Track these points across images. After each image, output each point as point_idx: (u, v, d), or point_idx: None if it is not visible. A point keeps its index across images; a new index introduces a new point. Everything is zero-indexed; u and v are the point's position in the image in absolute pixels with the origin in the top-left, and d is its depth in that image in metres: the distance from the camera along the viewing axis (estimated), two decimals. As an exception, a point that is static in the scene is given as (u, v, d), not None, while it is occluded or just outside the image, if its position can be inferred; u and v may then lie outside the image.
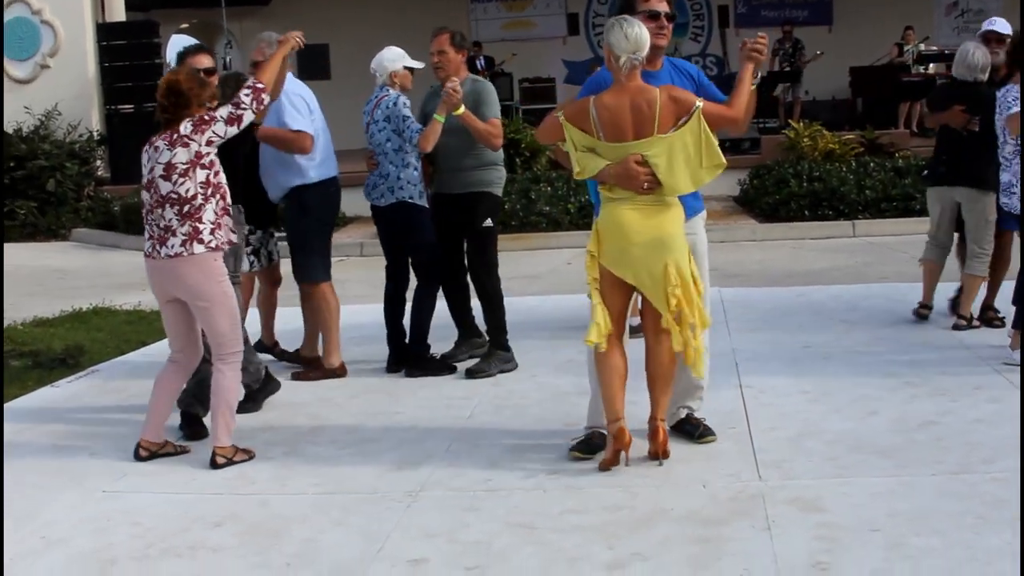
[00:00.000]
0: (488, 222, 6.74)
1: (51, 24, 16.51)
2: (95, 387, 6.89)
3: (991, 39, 7.53)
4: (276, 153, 6.62)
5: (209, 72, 5.95)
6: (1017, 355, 6.24)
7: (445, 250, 6.86)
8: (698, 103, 4.84)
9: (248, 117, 5.23)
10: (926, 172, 7.45)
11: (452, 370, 6.80)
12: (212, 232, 5.17)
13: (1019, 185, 6.53)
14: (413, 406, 6.15)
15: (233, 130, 5.19)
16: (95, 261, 13.02)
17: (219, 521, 4.57)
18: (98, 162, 16.20)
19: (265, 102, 5.29)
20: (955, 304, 7.42)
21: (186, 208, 5.14)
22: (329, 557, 4.18)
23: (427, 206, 6.77)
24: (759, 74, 5.11)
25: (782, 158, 14.60)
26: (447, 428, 5.71)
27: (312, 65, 20.91)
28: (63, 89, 16.13)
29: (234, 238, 5.34)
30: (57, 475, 5.21)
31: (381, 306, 7.07)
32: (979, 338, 7.00)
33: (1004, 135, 6.65)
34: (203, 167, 5.15)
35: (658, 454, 4.95)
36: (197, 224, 5.14)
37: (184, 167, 5.13)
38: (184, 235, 5.13)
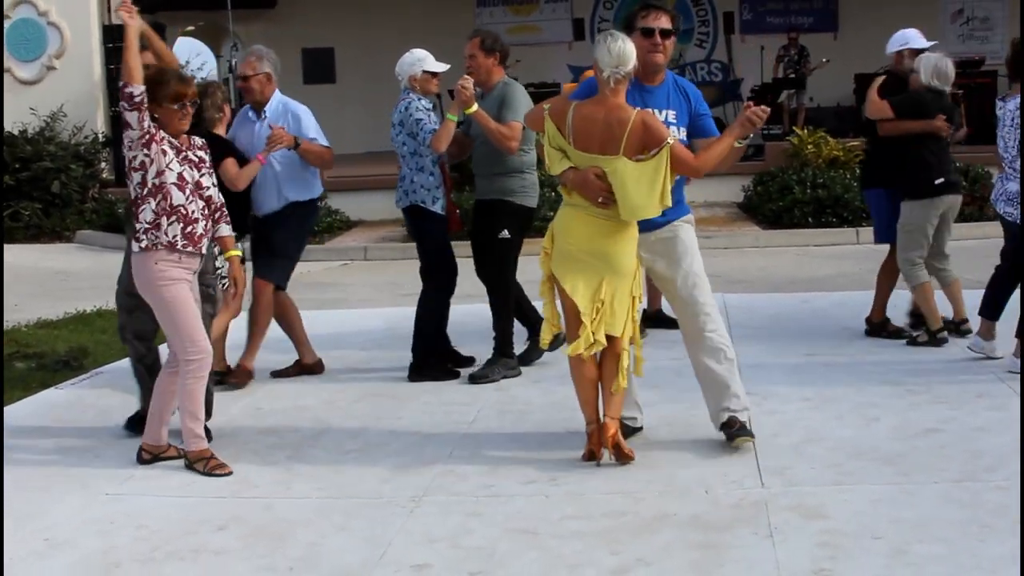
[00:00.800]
0: (504, 233, 6.67)
1: (57, 25, 16.54)
2: (99, 389, 6.90)
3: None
4: (289, 167, 6.67)
5: None
6: (1019, 363, 6.26)
7: (477, 255, 6.86)
8: (669, 139, 4.86)
9: (130, 116, 5.11)
10: (941, 181, 7.23)
11: (455, 375, 6.80)
12: (146, 232, 5.15)
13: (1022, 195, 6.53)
14: (416, 411, 6.16)
15: (132, 132, 5.13)
16: (99, 263, 13.02)
17: (223, 524, 4.58)
18: (103, 164, 16.23)
19: (134, 96, 5.07)
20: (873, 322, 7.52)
21: (133, 208, 5.23)
22: (332, 562, 4.19)
23: (441, 213, 6.77)
24: (749, 137, 5.10)
25: (786, 165, 14.60)
26: (450, 433, 5.71)
27: (317, 69, 21.03)
28: (69, 91, 16.15)
29: (168, 239, 5.14)
30: (61, 478, 5.22)
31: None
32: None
33: (1018, 147, 6.60)
34: (135, 169, 5.17)
35: (609, 449, 5.02)
36: (136, 223, 5.20)
37: (127, 170, 5.24)
38: (130, 233, 5.28)
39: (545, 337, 5.26)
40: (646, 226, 5.11)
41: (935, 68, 7.24)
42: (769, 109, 5.09)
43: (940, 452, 5.11)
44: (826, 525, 4.30)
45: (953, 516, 4.34)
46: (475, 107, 6.43)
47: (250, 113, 6.80)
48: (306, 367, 7.02)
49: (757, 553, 4.08)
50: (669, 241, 5.22)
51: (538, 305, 5.57)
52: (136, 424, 5.77)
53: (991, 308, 6.70)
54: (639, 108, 4.95)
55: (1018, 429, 5.20)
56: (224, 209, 5.45)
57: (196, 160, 5.29)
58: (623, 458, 5.02)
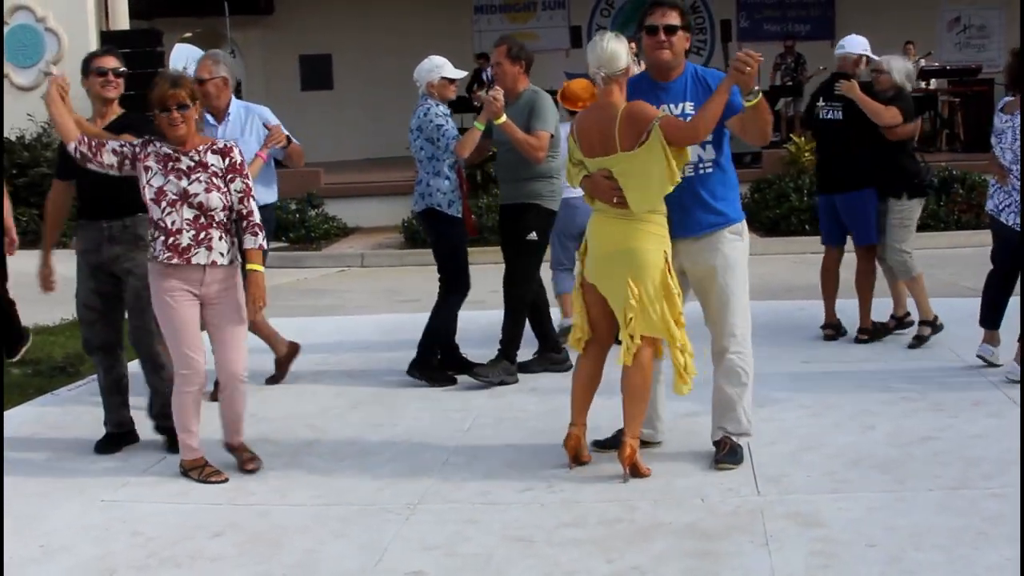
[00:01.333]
0: (532, 235, 6.71)
1: (55, 32, 16.52)
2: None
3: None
4: (264, 169, 6.66)
5: (117, 73, 5.89)
6: (1019, 369, 6.28)
7: (505, 260, 6.87)
8: (656, 118, 4.82)
9: (91, 167, 5.23)
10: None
11: (453, 381, 6.80)
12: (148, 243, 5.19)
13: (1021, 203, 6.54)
14: (412, 418, 6.16)
15: (111, 172, 5.22)
16: (96, 269, 13.01)
17: (219, 531, 4.58)
18: (100, 170, 16.22)
19: (73, 153, 5.22)
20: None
21: None
22: (328, 568, 4.19)
23: (457, 216, 6.80)
24: (758, 90, 4.81)
25: (783, 172, 14.60)
26: (446, 440, 5.71)
27: (314, 75, 21.04)
28: (66, 97, 16.12)
29: (153, 252, 5.14)
30: (57, 484, 5.22)
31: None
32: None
33: None
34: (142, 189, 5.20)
35: (625, 469, 4.96)
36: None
37: None
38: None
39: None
40: (687, 231, 5.05)
41: (907, 70, 7.62)
42: (761, 56, 4.79)
43: (936, 459, 5.11)
44: (822, 533, 4.30)
45: (949, 524, 4.34)
46: (504, 118, 6.48)
47: (207, 115, 6.77)
48: (287, 358, 7.00)
49: (752, 561, 4.08)
50: (710, 253, 5.10)
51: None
52: (106, 446, 5.69)
53: (991, 313, 6.70)
54: (631, 103, 4.89)
55: (1015, 436, 5.21)
56: (252, 219, 5.25)
57: (187, 168, 5.12)
58: (639, 476, 4.97)
